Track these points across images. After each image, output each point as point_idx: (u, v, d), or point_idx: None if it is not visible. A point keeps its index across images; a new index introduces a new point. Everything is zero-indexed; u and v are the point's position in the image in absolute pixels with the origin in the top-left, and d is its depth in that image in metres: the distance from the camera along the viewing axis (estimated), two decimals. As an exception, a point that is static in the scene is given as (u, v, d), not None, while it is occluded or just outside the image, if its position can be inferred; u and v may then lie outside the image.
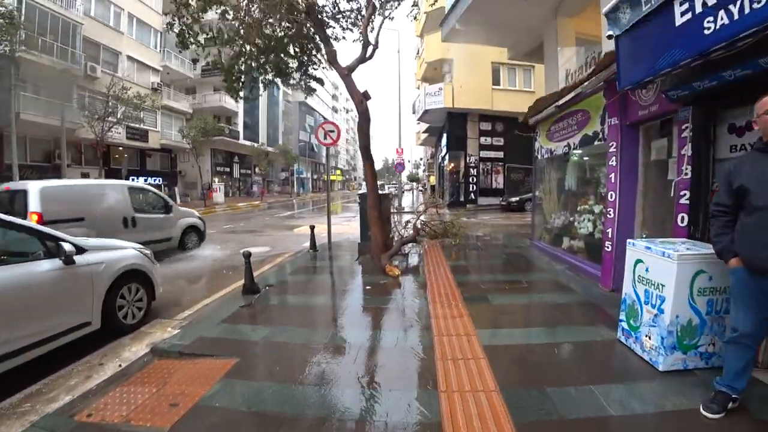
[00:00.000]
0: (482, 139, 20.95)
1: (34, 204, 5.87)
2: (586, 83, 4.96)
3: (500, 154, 21.10)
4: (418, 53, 26.01)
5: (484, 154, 20.98)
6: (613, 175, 4.70)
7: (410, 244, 7.90)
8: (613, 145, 4.71)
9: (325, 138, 9.05)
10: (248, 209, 23.23)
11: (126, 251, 4.47)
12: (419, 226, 8.25)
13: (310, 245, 8.23)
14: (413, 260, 7.07)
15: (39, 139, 18.95)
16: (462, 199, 21.23)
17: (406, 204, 23.55)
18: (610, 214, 4.77)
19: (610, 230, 4.77)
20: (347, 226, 13.28)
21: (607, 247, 4.82)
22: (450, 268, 6.23)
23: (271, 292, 5.25)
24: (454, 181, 21.89)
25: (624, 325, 3.22)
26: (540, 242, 7.58)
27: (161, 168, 28.79)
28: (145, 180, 26.45)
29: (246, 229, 13.54)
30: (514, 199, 18.14)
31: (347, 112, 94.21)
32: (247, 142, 35.44)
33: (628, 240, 3.19)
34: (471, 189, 20.96)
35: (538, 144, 7.59)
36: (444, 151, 22.91)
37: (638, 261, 3.02)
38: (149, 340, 4.09)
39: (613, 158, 4.69)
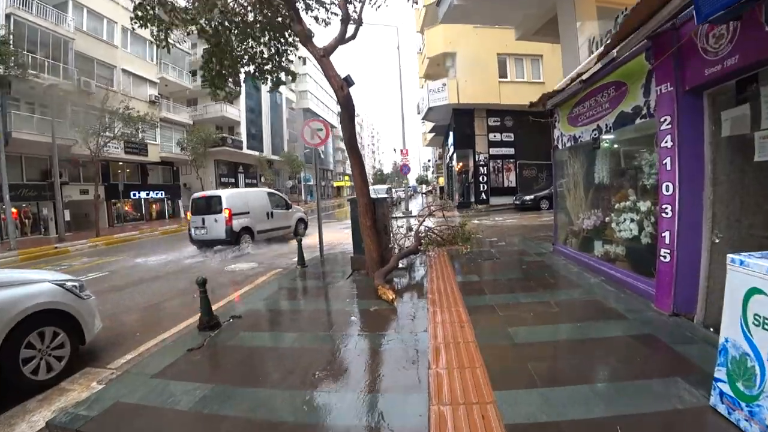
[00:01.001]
0: (491, 136, 19.72)
1: (225, 203, 9.67)
2: (622, 44, 3.81)
3: (511, 151, 19.82)
4: (420, 51, 24.97)
5: (493, 151, 19.73)
6: (668, 160, 3.53)
7: (413, 255, 6.78)
8: (666, 120, 3.54)
9: (312, 138, 8.04)
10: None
11: (35, 287, 3.47)
12: (422, 234, 7.13)
13: (298, 260, 7.21)
14: (415, 275, 5.95)
15: (35, 157, 18.53)
16: (473, 199, 20.00)
17: (415, 207, 22.43)
18: (666, 213, 3.59)
19: (667, 234, 3.59)
20: (348, 233, 12.20)
21: (664, 257, 3.64)
22: (459, 285, 5.10)
23: (234, 326, 4.21)
24: (463, 182, 20.67)
25: (725, 388, 2.06)
26: (565, 247, 6.38)
27: (163, 181, 28.37)
28: (147, 194, 26.10)
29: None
30: (528, 198, 16.84)
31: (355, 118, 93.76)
32: (251, 152, 34.95)
33: (730, 256, 2.03)
34: (482, 189, 19.71)
35: (557, 131, 6.42)
36: (451, 150, 21.74)
37: (754, 291, 1.86)
38: (62, 402, 3.09)
39: (668, 137, 3.52)
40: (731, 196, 3.26)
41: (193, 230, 10.11)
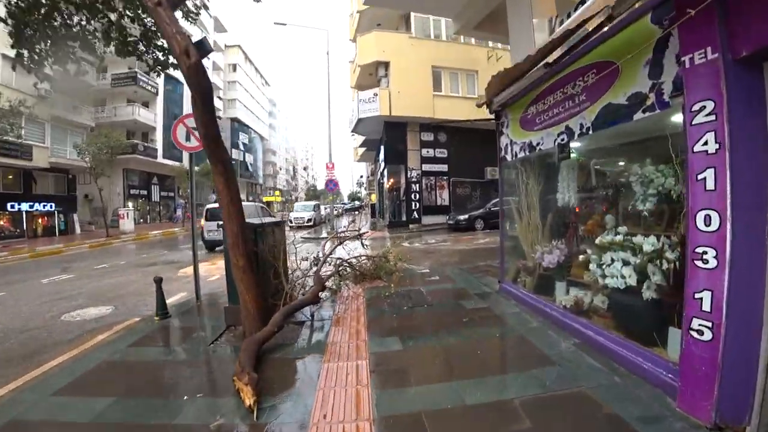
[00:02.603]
0: (424, 151, 18.72)
1: None
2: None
3: (444, 167, 18.97)
4: (352, 60, 23.63)
5: (426, 167, 18.71)
6: (709, 173, 2.12)
7: (325, 294, 4.87)
8: (704, 108, 2.14)
9: (187, 140, 5.89)
10: (157, 239, 18.78)
11: None
12: (325, 276, 5.30)
13: (157, 308, 4.93)
14: (309, 340, 4.03)
15: None
16: (404, 218, 18.68)
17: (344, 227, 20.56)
18: (705, 261, 2.15)
19: (707, 296, 2.15)
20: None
21: (700, 332, 2.19)
22: (372, 358, 3.30)
23: None
24: (394, 199, 19.33)
25: None
26: (516, 287, 4.94)
27: (56, 191, 23.29)
28: (31, 206, 21.15)
29: (123, 267, 9.73)
30: (462, 218, 15.88)
31: (286, 130, 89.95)
32: (168, 162, 30.57)
33: None
34: (413, 207, 18.50)
35: (505, 139, 5.05)
36: (382, 165, 20.41)
37: None
38: None
39: (708, 137, 2.12)
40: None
41: (206, 233, 11.96)
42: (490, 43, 19.47)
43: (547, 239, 4.36)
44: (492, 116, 5.30)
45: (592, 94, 3.24)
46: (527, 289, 4.66)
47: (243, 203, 12.35)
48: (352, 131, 21.47)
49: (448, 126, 18.55)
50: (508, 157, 4.95)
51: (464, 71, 18.74)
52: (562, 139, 3.72)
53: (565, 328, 3.70)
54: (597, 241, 3.30)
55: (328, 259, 5.76)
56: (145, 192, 31.21)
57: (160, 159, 30.14)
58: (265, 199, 65.49)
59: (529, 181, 4.59)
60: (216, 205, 11.58)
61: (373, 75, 19.89)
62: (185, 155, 35.82)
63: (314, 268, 5.17)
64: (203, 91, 3.46)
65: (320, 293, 4.68)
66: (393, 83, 17.89)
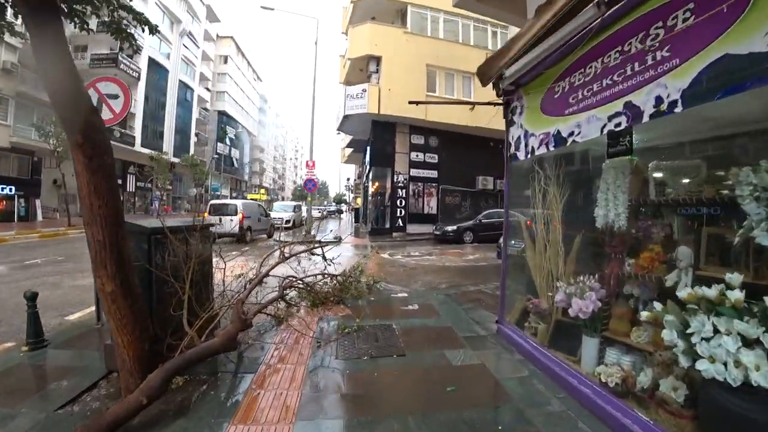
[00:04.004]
0: (413, 155, 17.40)
1: (240, 208, 13.55)
2: None
3: (434, 173, 17.67)
4: (343, 55, 22.31)
5: (415, 172, 17.38)
6: None
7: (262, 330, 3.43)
8: None
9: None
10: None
11: None
12: (249, 307, 3.89)
13: (27, 335, 3.47)
14: (215, 412, 2.58)
15: None
16: (388, 225, 17.27)
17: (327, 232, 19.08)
18: None
19: None
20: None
21: None
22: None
23: None
24: (378, 204, 17.92)
25: None
26: (522, 335, 3.58)
27: (18, 174, 21.32)
28: None
29: (58, 263, 8.07)
30: (450, 229, 14.57)
31: (277, 128, 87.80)
32: (147, 150, 28.78)
33: None
34: (398, 214, 17.11)
35: (517, 131, 3.71)
36: (368, 168, 19.04)
37: None
38: None
39: None
40: None
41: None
42: (490, 46, 18.42)
43: (573, 272, 3.03)
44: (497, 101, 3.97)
45: (687, 45, 1.91)
46: (539, 340, 3.30)
47: (245, 201, 12.73)
48: (338, 129, 20.05)
49: (440, 130, 17.35)
50: (520, 155, 3.61)
51: (461, 72, 17.55)
52: (617, 125, 2.39)
53: (606, 421, 2.35)
54: (682, 294, 1.96)
55: (241, 300, 4.31)
56: (119, 182, 29.28)
57: (137, 147, 28.40)
58: (249, 197, 63.47)
59: (550, 188, 3.26)
60: (219, 202, 14.65)
61: (363, 71, 18.57)
62: (168, 146, 34.48)
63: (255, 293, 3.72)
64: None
65: (241, 333, 3.24)
66: (384, 80, 16.56)
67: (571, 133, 2.80)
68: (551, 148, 3.08)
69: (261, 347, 3.59)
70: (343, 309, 4.79)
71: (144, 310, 2.82)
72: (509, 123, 3.86)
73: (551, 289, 3.27)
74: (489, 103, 4.12)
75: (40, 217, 21.79)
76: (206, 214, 12.82)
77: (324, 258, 5.16)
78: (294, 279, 4.73)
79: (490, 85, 3.82)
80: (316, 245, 5.19)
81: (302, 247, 5.16)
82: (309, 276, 4.86)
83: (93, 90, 4.49)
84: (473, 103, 4.19)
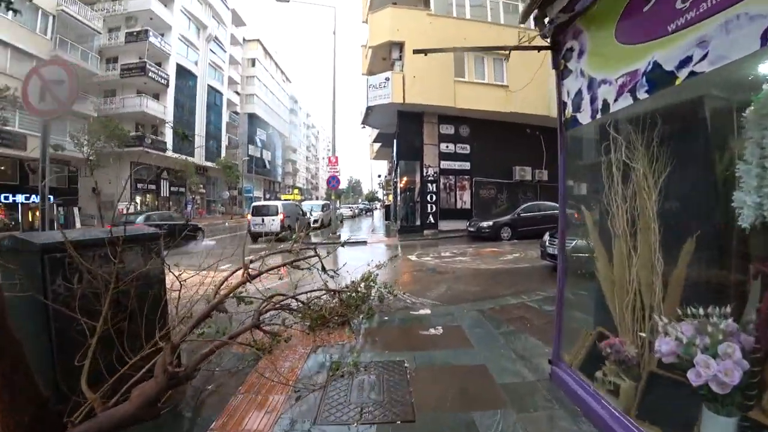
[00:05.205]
0: (443, 146, 16.09)
1: (281, 209, 14.32)
2: None
3: (466, 165, 16.27)
4: (364, 44, 21.31)
5: (445, 164, 16.07)
6: None
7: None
8: None
9: (41, 100, 3.74)
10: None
11: None
12: (214, 337, 2.90)
13: None
14: None
15: None
16: (418, 223, 16.11)
17: (352, 233, 18.24)
18: None
19: None
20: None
21: None
22: None
23: None
24: (407, 201, 16.77)
25: None
26: (590, 389, 2.38)
27: (57, 184, 22.34)
28: (26, 198, 20.21)
29: None
30: (485, 225, 13.19)
31: (308, 128, 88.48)
32: (178, 156, 29.57)
33: None
34: (429, 210, 15.88)
35: (575, 81, 2.49)
36: (395, 162, 17.94)
37: None
38: None
39: None
40: None
41: (252, 226, 14.20)
42: (522, 24, 16.69)
43: (679, 300, 1.82)
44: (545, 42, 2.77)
45: None
46: (622, 405, 2.09)
47: (284, 202, 12.81)
48: (362, 123, 19.10)
49: (471, 117, 15.92)
50: (583, 117, 2.40)
51: (492, 55, 16.02)
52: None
53: None
54: None
55: (172, 349, 3.35)
56: (153, 186, 30.20)
57: (169, 153, 29.09)
58: (283, 197, 64.37)
59: (637, 163, 2.04)
60: (261, 204, 15.52)
61: (386, 59, 17.47)
62: (200, 151, 35.41)
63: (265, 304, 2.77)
64: None
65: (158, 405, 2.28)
66: (408, 67, 15.38)
67: (687, 60, 1.58)
68: (642, 95, 1.86)
69: (220, 398, 2.63)
70: (347, 335, 3.76)
71: (25, 364, 1.92)
72: (561, 74, 2.64)
73: (640, 323, 2.06)
74: (533, 48, 2.90)
75: (78, 224, 22.57)
76: (249, 216, 14.89)
77: (324, 269, 4.16)
78: (284, 297, 3.76)
79: (529, 57, 2.63)
80: (312, 254, 4.19)
81: (280, 261, 4.18)
82: (302, 293, 3.87)
83: (36, 77, 3.77)
84: (509, 48, 2.99)
